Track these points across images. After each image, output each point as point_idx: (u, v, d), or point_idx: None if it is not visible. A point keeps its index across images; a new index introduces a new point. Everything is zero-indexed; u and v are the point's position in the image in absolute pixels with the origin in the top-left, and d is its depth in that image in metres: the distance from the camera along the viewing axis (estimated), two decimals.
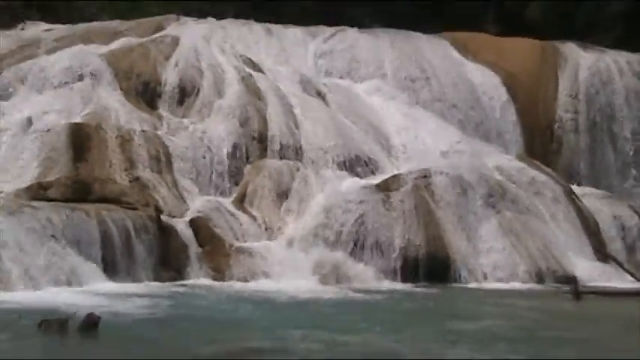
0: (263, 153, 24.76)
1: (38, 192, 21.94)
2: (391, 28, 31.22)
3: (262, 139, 24.93)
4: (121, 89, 25.42)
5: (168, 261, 21.39)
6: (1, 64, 26.15)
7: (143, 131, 24.08)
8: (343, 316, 17.63)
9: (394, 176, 23.99)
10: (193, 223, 22.12)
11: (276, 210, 23.35)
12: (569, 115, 29.61)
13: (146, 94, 25.63)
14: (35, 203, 20.82)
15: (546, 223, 24.20)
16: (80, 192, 22.16)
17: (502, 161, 25.82)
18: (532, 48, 31.01)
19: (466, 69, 29.80)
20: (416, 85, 28.73)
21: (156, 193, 22.68)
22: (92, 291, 18.87)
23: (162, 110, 25.35)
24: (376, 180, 23.98)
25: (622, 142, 29.56)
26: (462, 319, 17.41)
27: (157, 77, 25.91)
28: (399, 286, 21.71)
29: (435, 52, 30.16)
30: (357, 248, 22.37)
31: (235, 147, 24.53)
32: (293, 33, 30.21)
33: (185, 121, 25.04)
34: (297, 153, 24.93)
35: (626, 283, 22.98)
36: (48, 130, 23.51)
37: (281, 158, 24.70)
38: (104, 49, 26.71)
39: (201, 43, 27.72)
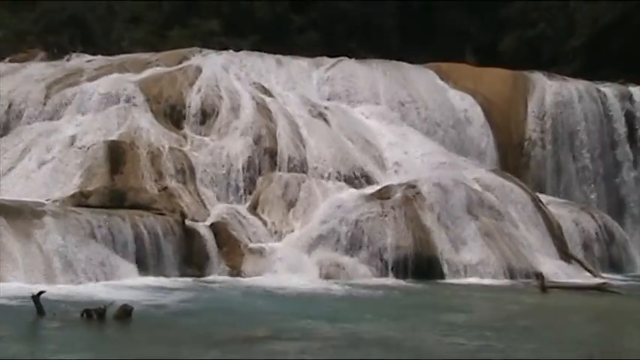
0: (273, 166, 24.71)
1: (80, 199, 21.95)
2: (384, 59, 31.17)
3: (273, 155, 24.88)
4: (152, 111, 25.37)
5: (192, 259, 21.35)
6: (50, 90, 26.15)
7: (170, 148, 24.04)
8: (347, 308, 17.59)
9: (386, 187, 23.93)
10: (213, 227, 22.08)
11: (284, 216, 23.29)
12: (536, 134, 29.54)
13: (173, 116, 25.59)
14: (78, 209, 20.84)
15: (517, 227, 24.12)
16: (116, 200, 22.18)
17: (479, 174, 25.71)
18: (505, 76, 30.96)
19: (448, 94, 29.70)
20: (405, 108, 28.62)
21: (181, 201, 22.65)
22: (126, 285, 18.91)
23: (187, 129, 25.29)
24: (371, 190, 23.92)
25: (581, 157, 29.54)
26: (451, 311, 17.46)
27: (183, 101, 25.86)
28: (391, 281, 21.64)
29: (422, 79, 30.06)
30: (355, 249, 22.29)
31: (249, 161, 24.49)
32: (299, 63, 30.12)
33: (206, 139, 24.99)
34: (303, 166, 24.86)
35: (585, 278, 23.00)
36: (89, 147, 23.51)
37: (289, 171, 24.63)
38: (137, 77, 26.66)
39: (221, 71, 27.64)
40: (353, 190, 23.97)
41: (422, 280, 21.72)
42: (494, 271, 22.68)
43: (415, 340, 14.10)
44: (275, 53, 30.61)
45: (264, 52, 30.87)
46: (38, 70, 27.96)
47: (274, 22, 39.14)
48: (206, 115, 25.68)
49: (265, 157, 24.74)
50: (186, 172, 23.62)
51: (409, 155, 26.24)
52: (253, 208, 23.36)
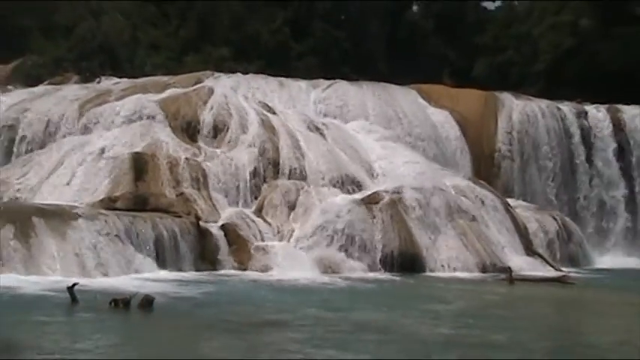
0: (276, 175, 24.68)
1: (108, 203, 21.93)
2: (373, 81, 31.22)
3: (275, 164, 24.87)
4: (170, 127, 25.34)
5: (205, 256, 21.33)
6: (82, 109, 26.14)
7: (186, 158, 24.03)
8: (344, 298, 17.60)
9: (375, 192, 23.93)
10: (224, 228, 22.06)
11: (286, 218, 23.27)
12: (505, 146, 29.62)
13: (189, 131, 25.56)
14: (106, 212, 20.82)
15: (489, 228, 24.15)
16: (139, 204, 22.15)
17: (456, 181, 25.71)
18: (478, 96, 31.04)
19: (429, 112, 29.74)
20: (391, 124, 28.63)
21: (196, 205, 22.64)
22: (148, 278, 18.90)
23: (201, 142, 25.25)
24: (361, 195, 23.90)
25: (544, 167, 29.63)
26: (433, 300, 17.52)
27: (197, 118, 25.83)
28: (380, 275, 21.63)
29: (406, 99, 30.09)
30: (348, 246, 22.30)
31: (255, 170, 24.47)
32: (299, 85, 30.14)
33: (218, 150, 24.97)
34: (302, 175, 24.83)
35: (548, 272, 23.04)
36: (116, 158, 23.51)
37: (290, 179, 24.59)
38: (158, 97, 26.64)
39: (230, 92, 27.64)
40: (346, 196, 23.96)
41: (407, 274, 21.71)
42: (468, 265, 22.72)
43: (405, 325, 14.23)
44: (278, 76, 30.70)
45: (269, 75, 30.98)
46: (72, 92, 28.01)
47: (277, 49, 39.36)
48: (217, 130, 25.68)
49: (269, 166, 24.74)
50: (200, 180, 23.62)
51: (394, 165, 26.24)
52: (259, 211, 23.36)
